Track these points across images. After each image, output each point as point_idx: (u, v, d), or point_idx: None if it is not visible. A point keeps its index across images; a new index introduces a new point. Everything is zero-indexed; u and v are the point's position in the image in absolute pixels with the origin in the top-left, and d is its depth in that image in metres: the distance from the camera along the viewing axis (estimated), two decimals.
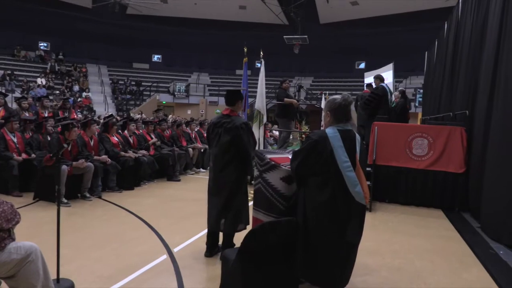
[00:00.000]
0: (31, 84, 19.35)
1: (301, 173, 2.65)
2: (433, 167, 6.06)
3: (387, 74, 13.44)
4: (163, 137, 8.64)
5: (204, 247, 3.83)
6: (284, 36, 21.59)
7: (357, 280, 3.28)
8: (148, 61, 26.62)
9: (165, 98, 22.48)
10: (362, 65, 24.88)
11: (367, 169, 6.01)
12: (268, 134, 11.72)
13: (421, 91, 16.75)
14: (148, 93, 22.64)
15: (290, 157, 2.81)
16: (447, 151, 6.02)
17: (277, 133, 12.43)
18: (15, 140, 6.33)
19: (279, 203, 2.82)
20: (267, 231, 2.57)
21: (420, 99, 17.31)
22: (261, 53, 7.04)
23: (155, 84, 22.71)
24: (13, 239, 2.41)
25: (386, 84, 8.11)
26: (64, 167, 5.42)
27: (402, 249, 4.22)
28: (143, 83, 23.58)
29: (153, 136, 8.22)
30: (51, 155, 5.19)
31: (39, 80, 20.06)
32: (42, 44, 23.82)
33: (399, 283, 3.33)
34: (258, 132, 6.74)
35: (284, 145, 8.05)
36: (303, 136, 8.59)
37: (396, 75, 13.98)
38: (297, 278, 2.77)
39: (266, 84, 7.16)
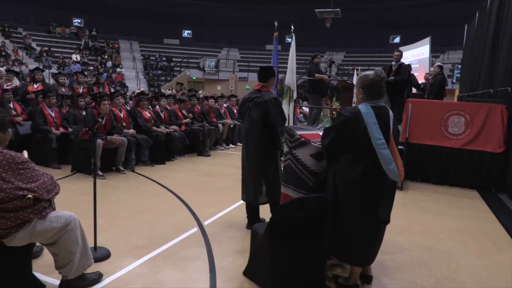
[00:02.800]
0: (66, 60, 19.89)
1: (332, 150, 2.61)
2: (470, 146, 5.85)
3: (424, 49, 12.91)
4: (193, 112, 8.73)
5: (233, 220, 3.89)
6: (316, 10, 20.97)
7: (386, 258, 3.27)
8: (179, 37, 26.69)
9: (195, 74, 22.60)
10: (397, 39, 23.96)
11: (399, 147, 5.88)
12: (298, 110, 11.62)
13: (459, 66, 16.01)
14: (179, 68, 22.81)
15: (321, 133, 2.78)
16: (485, 129, 5.77)
17: (307, 109, 12.31)
18: (53, 114, 6.57)
19: (308, 179, 2.81)
20: (296, 207, 2.58)
21: (458, 75, 16.58)
22: (292, 27, 6.90)
23: (185, 60, 22.82)
24: (54, 209, 2.54)
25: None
26: (99, 141, 5.60)
27: (433, 228, 4.14)
28: (173, 59, 23.75)
29: (185, 113, 8.31)
30: (87, 129, 5.36)
31: (73, 56, 20.58)
32: (76, 20, 24.29)
33: (429, 262, 3.29)
34: (288, 108, 6.69)
35: (315, 122, 7.97)
36: (334, 113, 8.45)
37: (433, 49, 13.38)
38: (325, 254, 2.79)
39: (296, 59, 7.04)
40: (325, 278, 2.82)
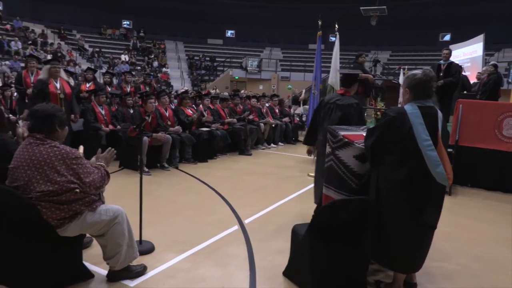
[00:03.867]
0: (115, 61, 20.79)
1: (376, 151, 2.55)
2: None
3: (476, 47, 12.23)
4: (236, 112, 8.82)
5: (273, 219, 3.89)
6: (361, 8, 20.48)
7: (433, 266, 3.14)
8: (222, 37, 27.07)
9: (237, 73, 22.83)
10: (447, 37, 22.90)
11: (448, 149, 5.62)
12: None
13: None
14: (222, 68, 23.13)
15: (365, 134, 2.71)
16: None
17: None
18: (103, 112, 6.89)
19: (351, 181, 2.76)
20: (338, 209, 2.54)
21: None
22: (336, 26, 6.78)
23: (228, 60, 23.11)
24: (103, 202, 2.66)
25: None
26: (145, 138, 5.80)
27: (483, 236, 3.93)
28: (217, 59, 24.13)
29: (226, 111, 8.41)
30: (134, 127, 5.57)
31: (122, 57, 21.46)
32: (125, 22, 25.33)
33: (478, 272, 3.12)
34: None
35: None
36: (378, 113, 8.23)
37: (486, 47, 12.65)
38: (366, 259, 2.72)
39: (340, 58, 6.92)
40: (367, 283, 2.76)
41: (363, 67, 7.76)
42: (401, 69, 13.10)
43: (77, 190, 2.41)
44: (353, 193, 2.72)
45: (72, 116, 6.41)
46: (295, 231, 2.93)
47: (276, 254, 3.25)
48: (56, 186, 2.35)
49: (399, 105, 7.34)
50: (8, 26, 18.88)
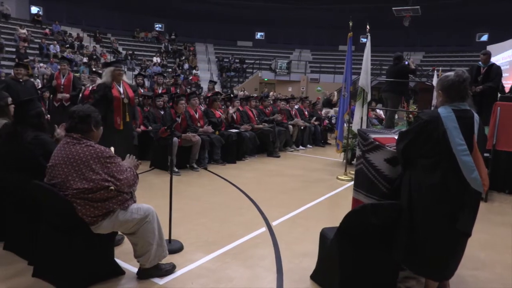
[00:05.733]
0: (148, 63, 21.29)
1: (407, 154, 2.49)
2: None
3: None
4: (265, 114, 8.84)
5: (301, 222, 3.86)
6: (393, 8, 20.05)
7: (467, 274, 3.03)
8: (252, 39, 27.20)
9: (267, 75, 22.86)
10: (485, 37, 22.07)
11: (485, 154, 5.40)
12: (371, 113, 11.22)
13: None
14: (251, 70, 23.23)
15: (396, 137, 2.66)
16: None
17: (381, 112, 11.85)
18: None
19: (381, 185, 2.70)
20: (368, 213, 2.49)
21: None
22: (367, 27, 6.67)
23: (257, 62, 23.19)
24: (135, 201, 2.73)
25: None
26: (175, 139, 5.91)
27: None
28: (246, 61, 24.27)
29: (255, 113, 8.44)
30: (165, 128, 5.67)
31: (154, 59, 21.95)
32: (157, 25, 25.93)
33: None
34: (361, 110, 6.50)
35: (391, 125, 7.65)
36: (410, 116, 8.04)
37: None
38: (397, 265, 2.66)
39: (371, 60, 6.80)
40: None
41: (408, 66, 7.73)
42: (435, 71, 12.74)
43: (112, 188, 2.48)
44: (384, 197, 2.67)
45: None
46: (323, 235, 2.90)
47: (303, 257, 3.24)
48: (91, 184, 2.44)
49: (433, 108, 7.14)
50: (47, 30, 19.70)
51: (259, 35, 27.36)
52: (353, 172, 3.29)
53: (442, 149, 2.33)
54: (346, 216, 2.56)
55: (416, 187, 2.42)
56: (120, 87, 5.28)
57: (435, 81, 8.95)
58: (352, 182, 3.13)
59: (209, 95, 8.83)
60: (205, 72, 22.72)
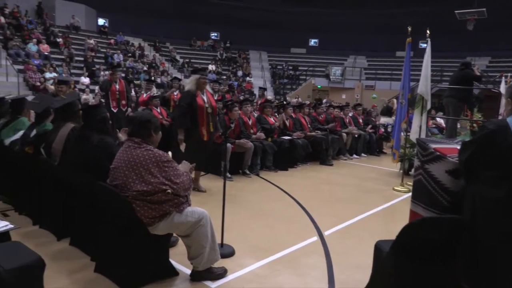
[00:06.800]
0: None
1: (471, 166, 2.34)
2: None
3: None
4: (318, 121, 8.76)
5: (354, 233, 3.76)
6: (456, 11, 19.00)
7: None
8: (305, 46, 27.11)
9: (320, 82, 22.63)
10: None
11: None
12: (431, 121, 10.70)
13: None
14: (304, 77, 23.14)
15: (459, 147, 2.51)
16: None
17: (441, 120, 11.25)
18: None
19: (442, 198, 2.56)
20: (427, 227, 2.36)
21: None
22: (427, 31, 6.40)
23: (311, 69, 23.05)
24: (189, 205, 2.81)
25: None
26: (228, 145, 6.02)
27: None
28: (299, 68, 24.22)
29: (307, 120, 8.38)
30: (220, 134, 5.80)
31: (210, 67, 22.58)
32: (213, 34, 26.71)
33: None
34: (420, 119, 6.22)
35: (453, 134, 7.25)
36: (474, 125, 7.56)
37: None
38: (457, 283, 2.49)
39: (431, 66, 6.50)
40: None
41: (473, 72, 7.36)
42: (503, 77, 11.90)
43: (169, 191, 2.58)
44: (445, 211, 2.53)
45: (166, 122, 6.81)
46: (378, 247, 2.79)
47: (356, 269, 3.14)
48: (150, 187, 2.55)
49: (500, 117, 6.67)
50: (112, 41, 20.99)
51: (312, 42, 27.21)
52: (411, 183, 3.15)
53: (510, 161, 2.17)
54: (403, 229, 2.45)
55: (480, 201, 2.27)
56: (203, 95, 5.14)
57: (502, 88, 8.36)
58: (409, 194, 3.00)
59: (259, 102, 8.91)
60: (258, 79, 22.99)
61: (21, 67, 14.61)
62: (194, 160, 4.70)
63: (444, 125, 10.56)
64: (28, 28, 17.31)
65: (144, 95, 8.00)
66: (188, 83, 5.22)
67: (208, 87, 5.36)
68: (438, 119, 11.34)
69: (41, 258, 2.09)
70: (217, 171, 6.27)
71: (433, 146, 2.71)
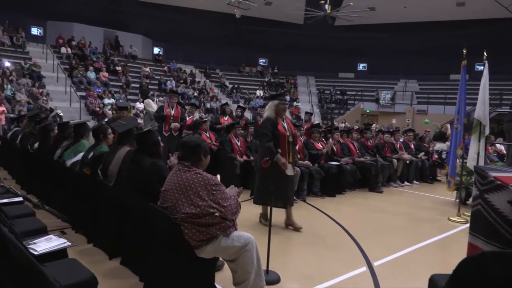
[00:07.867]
0: (251, 96, 22.38)
1: None
2: None
3: None
4: (367, 146, 8.55)
5: (406, 265, 3.57)
6: None
7: None
8: (353, 70, 26.87)
9: (369, 107, 22.23)
10: None
11: None
12: (490, 148, 10.08)
13: None
14: (352, 101, 22.84)
15: None
16: None
17: (501, 147, 10.58)
18: (238, 143, 7.43)
19: (505, 230, 2.38)
20: (489, 262, 2.19)
21: None
22: (484, 53, 6.13)
23: (359, 93, 22.74)
24: (236, 229, 2.82)
25: None
26: (297, 168, 5.94)
27: None
28: (347, 92, 23.99)
29: (356, 145, 8.21)
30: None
31: (257, 92, 22.99)
32: (261, 60, 27.31)
33: None
34: (477, 145, 5.88)
35: None
36: None
37: None
38: None
39: (489, 89, 6.18)
40: None
41: None
42: None
43: (217, 214, 2.61)
44: (508, 245, 2.34)
45: (214, 146, 6.90)
46: (433, 281, 2.62)
47: None
48: (198, 210, 2.60)
49: None
50: (165, 68, 22.08)
51: (361, 66, 26.95)
52: (468, 214, 2.97)
53: None
54: (461, 263, 2.29)
55: None
56: (284, 122, 4.77)
57: None
58: (467, 225, 2.83)
59: (305, 126, 8.86)
60: (306, 104, 23.00)
61: (83, 93, 15.72)
62: (281, 197, 4.54)
63: (504, 152, 9.91)
64: (91, 58, 18.70)
65: (188, 118, 8.12)
66: (267, 109, 4.86)
67: (287, 113, 4.94)
68: (498, 145, 10.68)
69: (94, 276, 2.18)
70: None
71: (493, 174, 2.55)
